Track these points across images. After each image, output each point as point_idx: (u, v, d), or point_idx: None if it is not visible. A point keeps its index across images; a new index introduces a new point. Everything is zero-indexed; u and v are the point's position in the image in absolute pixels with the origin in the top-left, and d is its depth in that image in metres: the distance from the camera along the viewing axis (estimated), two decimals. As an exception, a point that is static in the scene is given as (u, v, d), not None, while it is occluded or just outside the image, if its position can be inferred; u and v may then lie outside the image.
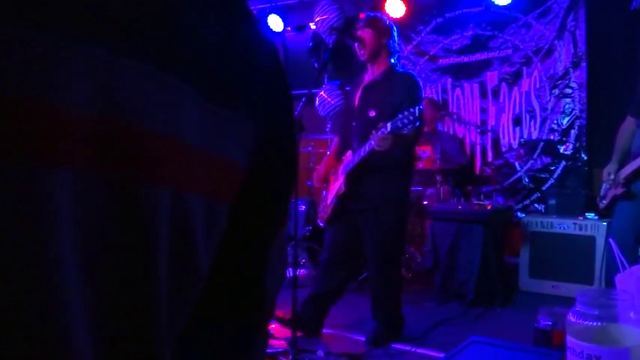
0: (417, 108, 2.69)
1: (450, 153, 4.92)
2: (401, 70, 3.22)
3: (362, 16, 3.31)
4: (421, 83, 3.19)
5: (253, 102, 0.42)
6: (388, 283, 3.16)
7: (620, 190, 3.09)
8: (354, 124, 3.18)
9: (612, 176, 3.15)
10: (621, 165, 3.16)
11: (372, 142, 2.84)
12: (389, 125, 2.75)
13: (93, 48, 0.30)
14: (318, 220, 3.35)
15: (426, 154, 5.02)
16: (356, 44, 3.13)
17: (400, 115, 2.71)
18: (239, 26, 0.42)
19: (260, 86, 0.43)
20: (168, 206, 0.34)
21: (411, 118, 2.68)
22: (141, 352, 0.35)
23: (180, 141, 0.35)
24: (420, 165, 4.98)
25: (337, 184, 3.16)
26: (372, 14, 3.29)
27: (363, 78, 3.26)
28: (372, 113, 3.05)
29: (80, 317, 0.31)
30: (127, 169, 0.32)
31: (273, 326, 3.39)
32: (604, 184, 3.28)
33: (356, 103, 3.20)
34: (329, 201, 3.22)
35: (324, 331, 3.37)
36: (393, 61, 3.18)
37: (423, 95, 5.62)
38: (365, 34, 3.10)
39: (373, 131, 2.82)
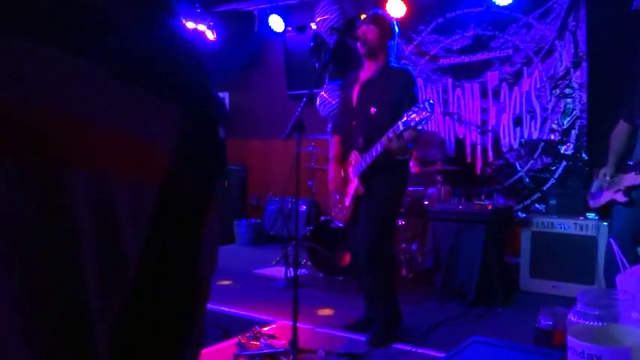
0: (427, 103, 2.78)
1: (429, 151, 4.92)
2: (396, 65, 3.23)
3: (369, 11, 3.33)
4: (416, 77, 3.23)
5: (173, 85, 0.42)
6: (379, 277, 3.15)
7: (621, 198, 3.10)
8: (354, 122, 3.19)
9: (608, 177, 3.17)
10: (617, 168, 3.17)
11: (383, 142, 2.89)
12: (401, 125, 2.81)
13: None
14: (336, 222, 3.37)
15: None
16: (360, 39, 3.14)
17: (411, 113, 2.79)
18: (151, 10, 0.42)
19: (179, 70, 0.43)
20: (88, 190, 0.34)
21: (425, 114, 2.76)
22: (73, 341, 0.35)
23: (92, 123, 0.34)
24: (413, 170, 4.97)
25: (353, 186, 3.17)
26: (380, 12, 3.30)
27: (358, 75, 3.26)
28: (373, 110, 3.07)
29: (6, 306, 0.31)
30: (38, 153, 0.32)
31: (273, 326, 3.39)
32: (596, 182, 3.30)
33: (354, 102, 3.21)
34: (347, 202, 3.22)
35: (325, 331, 3.37)
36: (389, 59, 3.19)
37: (423, 96, 5.67)
38: (370, 30, 3.11)
39: (388, 136, 2.87)
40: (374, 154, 2.97)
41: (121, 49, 0.37)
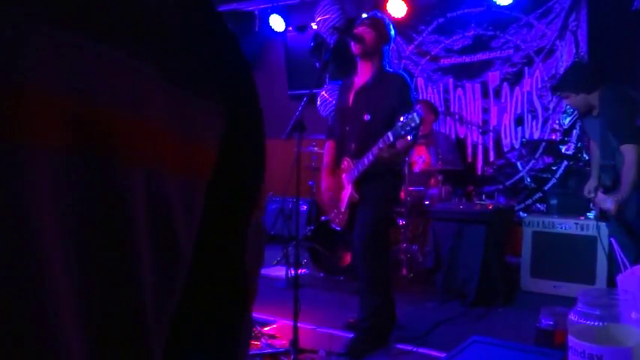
0: (415, 114, 2.70)
1: (446, 156, 4.92)
2: (390, 70, 3.21)
3: (369, 12, 3.30)
4: (411, 82, 3.20)
5: (219, 86, 0.43)
6: (374, 277, 3.13)
7: (596, 212, 3.19)
8: (347, 128, 3.18)
9: (592, 194, 3.22)
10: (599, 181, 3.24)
11: (375, 152, 2.86)
12: (391, 135, 2.77)
13: (61, 33, 0.31)
14: (333, 225, 3.37)
15: (422, 157, 5.03)
16: (356, 38, 3.10)
17: (400, 123, 2.72)
18: (198, 11, 0.43)
19: (225, 71, 0.44)
20: (143, 187, 0.35)
21: (413, 125, 2.69)
22: (129, 336, 0.36)
23: (149, 122, 0.36)
24: (417, 169, 4.98)
25: (347, 193, 3.16)
26: (379, 15, 3.26)
27: (353, 80, 3.25)
28: (367, 117, 3.05)
29: (64, 297, 0.31)
30: (100, 150, 0.33)
31: (274, 326, 3.39)
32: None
33: (349, 107, 3.20)
34: (343, 208, 3.22)
35: (325, 331, 3.37)
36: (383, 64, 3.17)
37: (420, 97, 5.67)
38: (367, 33, 3.09)
39: (379, 146, 2.84)
40: (366, 162, 2.96)
41: (171, 50, 0.39)
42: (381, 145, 2.82)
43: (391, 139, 2.77)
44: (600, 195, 3.13)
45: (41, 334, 0.30)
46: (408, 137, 2.79)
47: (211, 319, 0.49)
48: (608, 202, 3.04)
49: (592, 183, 3.32)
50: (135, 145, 0.35)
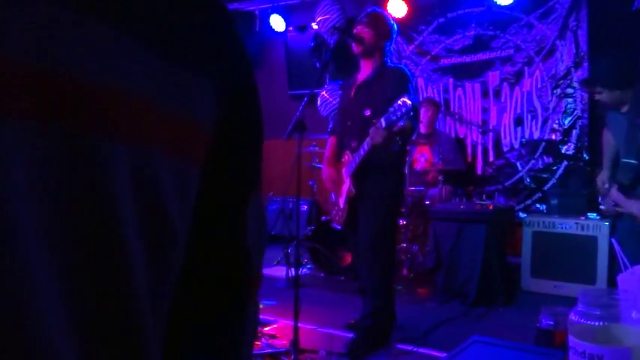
0: (406, 98, 2.67)
1: (448, 157, 4.92)
2: (392, 65, 3.19)
3: (367, 10, 3.27)
4: (412, 75, 3.18)
5: (213, 64, 0.42)
6: (378, 277, 3.13)
7: (611, 213, 3.15)
8: (349, 123, 3.18)
9: (607, 185, 3.18)
10: (613, 173, 3.19)
11: (370, 140, 2.85)
12: (383, 121, 2.74)
13: (39, 4, 0.31)
14: (334, 224, 3.35)
15: (424, 156, 5.03)
16: (356, 38, 3.09)
17: (391, 108, 2.70)
18: None
19: (218, 49, 0.43)
20: (127, 161, 0.34)
21: (404, 110, 2.66)
22: (122, 320, 0.34)
23: (130, 95, 0.34)
24: (419, 167, 4.98)
25: (346, 187, 3.16)
26: (378, 11, 3.23)
27: (356, 77, 3.25)
28: (368, 112, 3.04)
29: (46, 285, 0.30)
30: (77, 121, 0.32)
31: (275, 326, 3.40)
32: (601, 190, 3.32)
33: (351, 103, 3.20)
34: (342, 204, 3.21)
35: (326, 331, 3.37)
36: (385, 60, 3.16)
37: (424, 95, 5.67)
38: (365, 32, 3.08)
39: (371, 129, 2.82)
40: (362, 153, 2.95)
41: (161, 28, 0.38)
42: (373, 131, 2.80)
43: (383, 124, 2.75)
44: (618, 193, 3.07)
45: (22, 327, 0.28)
46: (399, 123, 2.73)
47: (215, 305, 0.48)
48: (635, 207, 2.96)
49: (605, 174, 3.26)
50: (114, 117, 0.33)
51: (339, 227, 3.31)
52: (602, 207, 3.32)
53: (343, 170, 3.18)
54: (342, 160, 3.20)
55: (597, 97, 3.21)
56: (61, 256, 0.31)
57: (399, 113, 2.67)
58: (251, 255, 0.48)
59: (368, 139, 2.86)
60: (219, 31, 0.44)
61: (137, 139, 0.35)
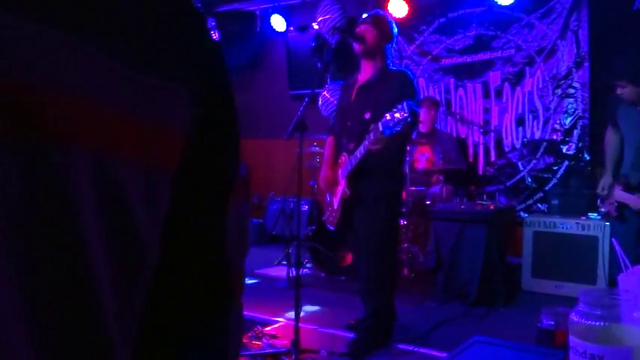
0: (405, 104, 2.65)
1: (449, 155, 4.92)
2: (394, 68, 3.19)
3: (370, 11, 3.27)
4: (415, 79, 3.16)
5: (184, 69, 0.41)
6: (379, 279, 3.11)
7: (614, 212, 3.12)
8: (349, 124, 3.18)
9: (606, 191, 3.17)
10: (615, 176, 3.17)
11: (366, 144, 2.84)
12: (380, 126, 2.73)
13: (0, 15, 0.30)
14: (328, 225, 3.35)
15: (424, 156, 5.03)
16: (357, 38, 3.08)
17: (390, 114, 2.68)
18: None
19: (189, 54, 0.42)
20: (89, 171, 0.33)
21: (401, 116, 2.65)
22: (81, 330, 0.33)
23: (90, 103, 0.34)
24: (419, 166, 4.98)
25: (340, 189, 3.15)
26: (381, 13, 3.24)
27: (356, 78, 3.24)
28: (367, 115, 3.01)
29: (3, 292, 0.29)
30: (30, 131, 0.31)
31: (275, 326, 3.40)
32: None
33: (351, 104, 3.20)
34: (336, 205, 3.21)
35: (327, 331, 3.37)
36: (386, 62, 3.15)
37: (422, 94, 5.66)
38: (368, 32, 3.08)
39: (370, 134, 2.81)
40: (358, 156, 2.95)
41: (127, 34, 0.37)
42: (371, 137, 2.79)
43: (380, 129, 2.73)
44: (623, 193, 3.05)
45: None
46: (396, 128, 2.71)
47: (196, 312, 0.47)
48: None
49: (607, 180, 3.24)
50: (72, 126, 0.32)
51: (333, 228, 3.31)
52: (602, 210, 3.32)
53: (339, 171, 3.18)
54: (339, 161, 3.20)
55: (619, 91, 3.18)
56: (18, 259, 0.30)
57: (396, 120, 2.66)
58: (231, 260, 0.47)
59: (366, 143, 2.86)
60: (189, 31, 0.43)
61: (98, 146, 0.34)
